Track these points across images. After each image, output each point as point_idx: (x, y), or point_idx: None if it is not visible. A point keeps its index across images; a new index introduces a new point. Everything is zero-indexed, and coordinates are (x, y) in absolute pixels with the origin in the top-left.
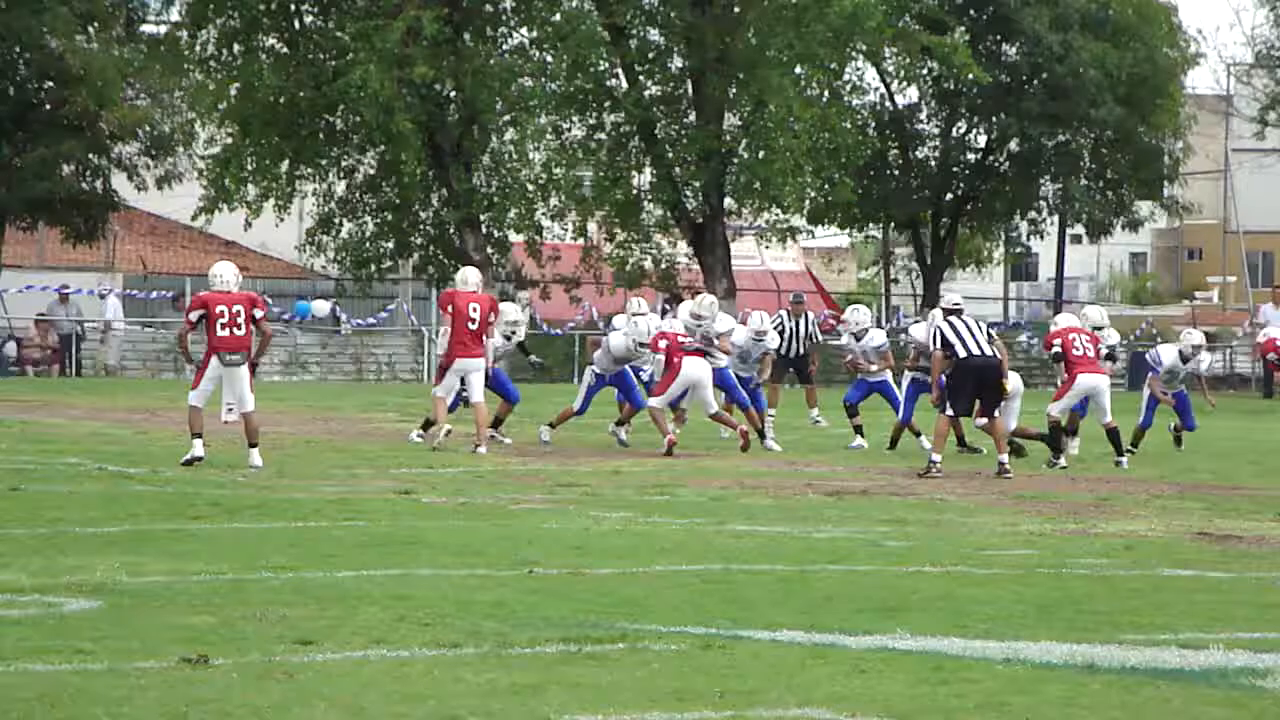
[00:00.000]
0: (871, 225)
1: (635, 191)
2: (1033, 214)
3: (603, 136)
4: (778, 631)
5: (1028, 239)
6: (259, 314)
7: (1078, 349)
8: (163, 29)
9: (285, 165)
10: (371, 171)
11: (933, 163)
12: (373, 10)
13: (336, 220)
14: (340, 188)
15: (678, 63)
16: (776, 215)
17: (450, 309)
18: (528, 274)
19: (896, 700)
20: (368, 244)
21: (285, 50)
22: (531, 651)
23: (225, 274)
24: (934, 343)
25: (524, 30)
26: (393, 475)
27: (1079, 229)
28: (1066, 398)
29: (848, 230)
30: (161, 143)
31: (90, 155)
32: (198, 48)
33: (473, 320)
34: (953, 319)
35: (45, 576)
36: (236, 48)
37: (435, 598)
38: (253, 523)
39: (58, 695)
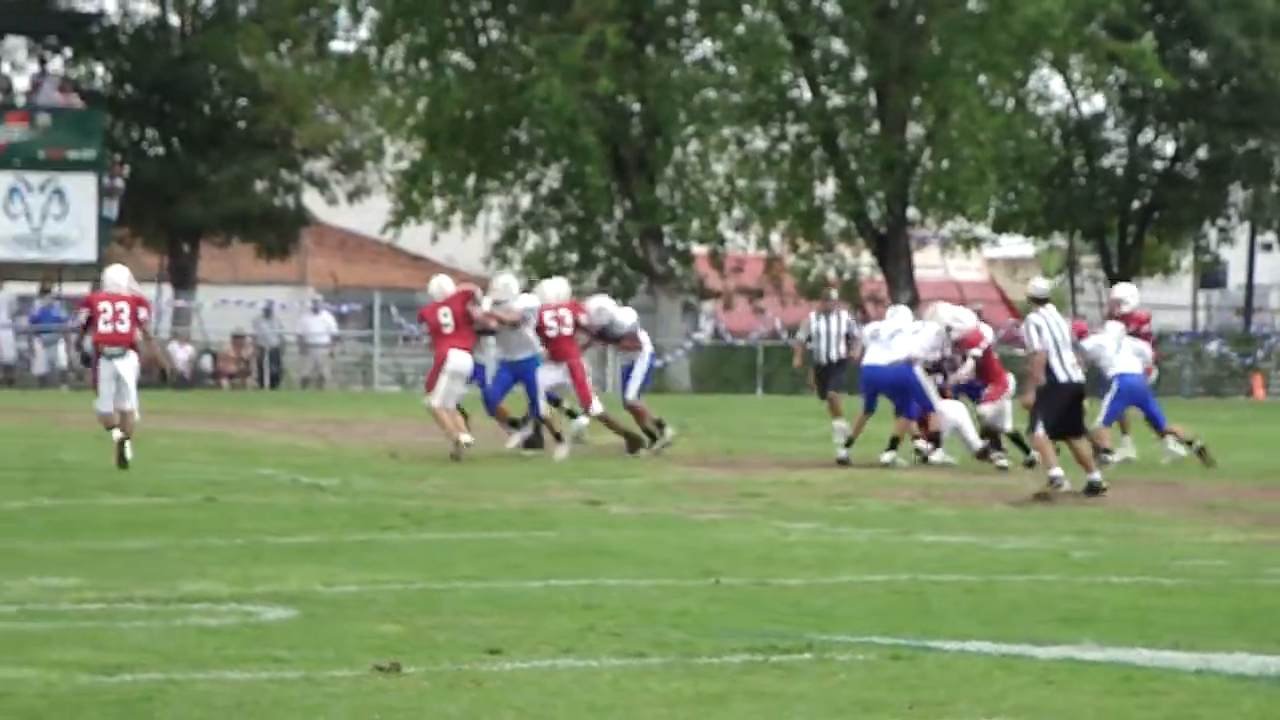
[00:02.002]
0: (1056, 234)
1: (818, 202)
2: (1222, 221)
3: (785, 147)
4: (965, 642)
5: (1217, 246)
6: (143, 314)
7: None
8: (352, 47)
9: (471, 179)
10: (556, 184)
11: (1119, 170)
12: (557, 25)
13: (521, 233)
14: (525, 201)
15: (861, 73)
16: (961, 224)
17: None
18: (710, 285)
19: (1085, 711)
20: (552, 256)
21: (471, 66)
22: (717, 661)
23: (117, 278)
24: (1031, 341)
25: (707, 42)
26: (580, 486)
27: (1270, 236)
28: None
29: (1032, 239)
30: (351, 158)
31: (282, 171)
32: (386, 64)
33: (446, 325)
34: (1046, 317)
35: (242, 585)
36: (424, 64)
37: (622, 607)
38: (443, 533)
39: (254, 703)
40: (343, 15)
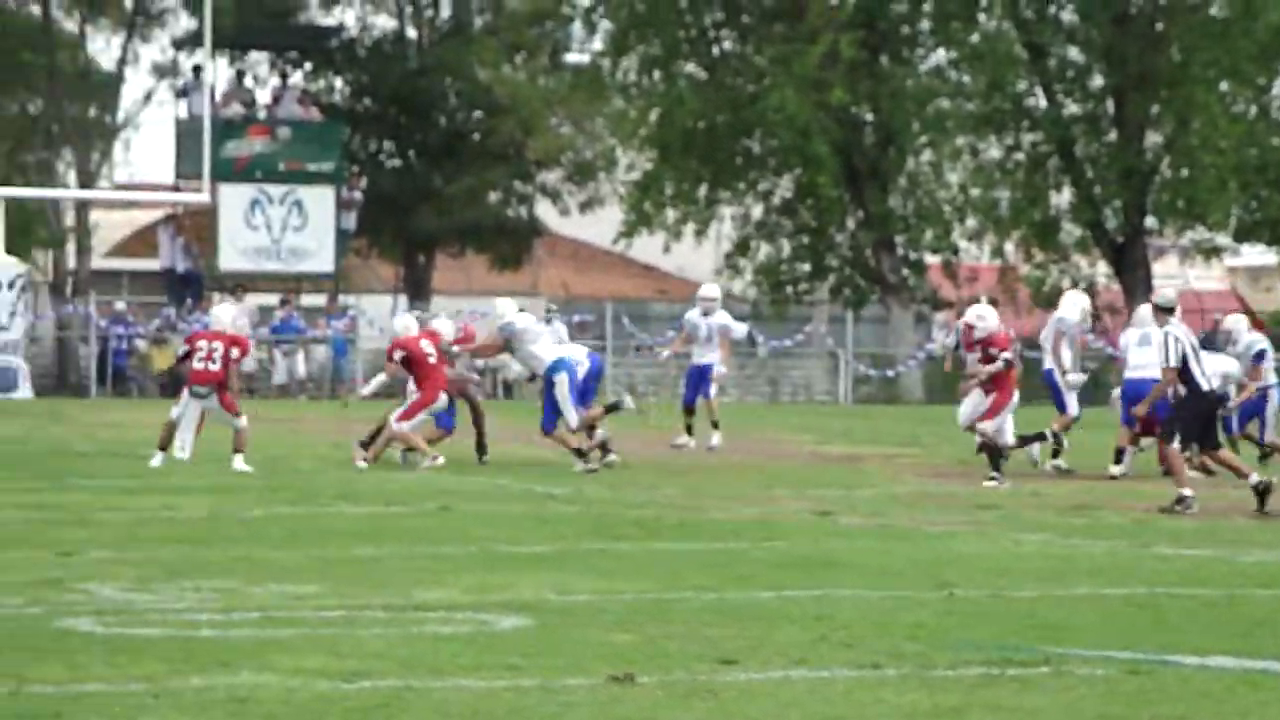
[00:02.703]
0: None
1: (1053, 211)
2: None
3: (1020, 156)
4: (1206, 657)
5: None
6: (235, 354)
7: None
8: (586, 58)
9: (703, 189)
10: (788, 194)
11: None
12: (791, 35)
13: (753, 243)
14: (757, 211)
15: (1098, 81)
16: (1200, 233)
17: (402, 357)
18: (943, 295)
19: None
20: (784, 266)
21: (704, 76)
22: (953, 674)
23: (221, 315)
24: (1168, 356)
25: (941, 51)
26: (811, 496)
27: None
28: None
29: (1276, 247)
30: (584, 169)
31: (516, 182)
32: (619, 75)
33: (430, 355)
34: (1184, 332)
35: (477, 594)
36: (657, 74)
37: (855, 619)
38: (674, 543)
39: (490, 710)
40: (577, 27)
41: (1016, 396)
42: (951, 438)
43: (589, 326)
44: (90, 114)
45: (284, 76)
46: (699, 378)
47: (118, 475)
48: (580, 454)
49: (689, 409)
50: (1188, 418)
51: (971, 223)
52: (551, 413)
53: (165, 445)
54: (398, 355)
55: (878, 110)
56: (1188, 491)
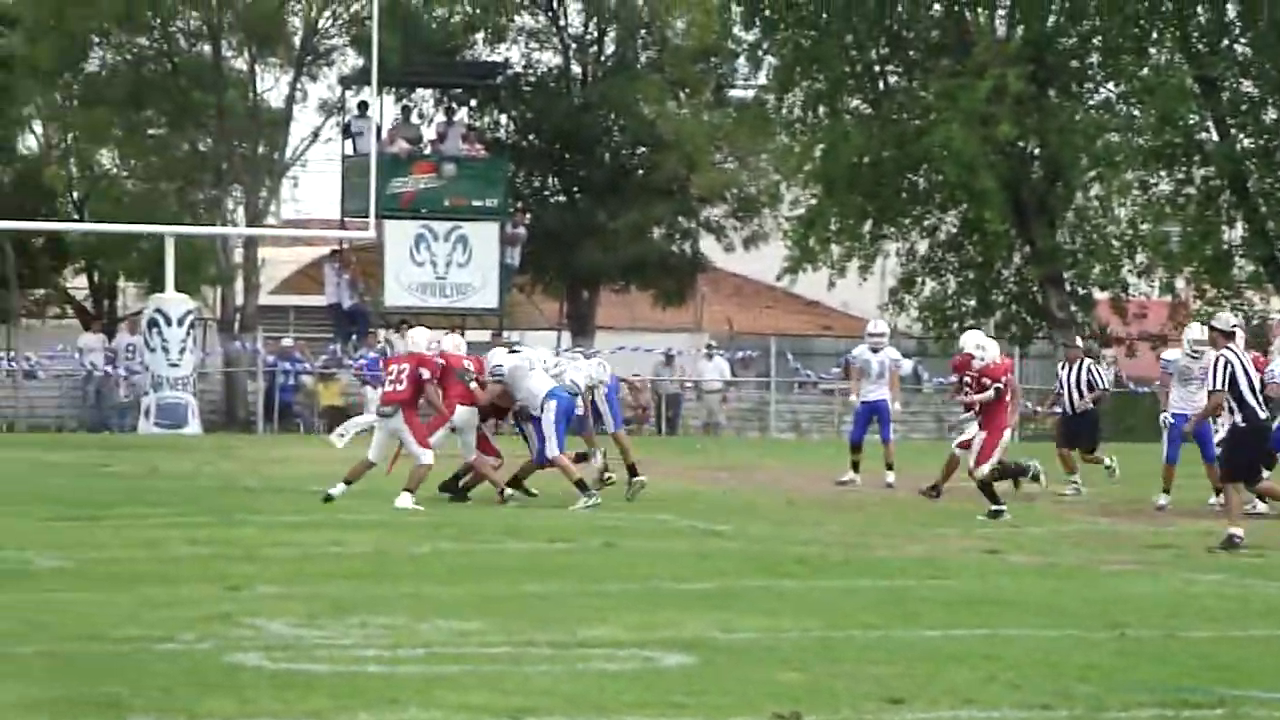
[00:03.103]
0: None
1: (1226, 246)
2: None
3: (1192, 191)
4: None
5: None
6: (424, 374)
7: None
8: (750, 94)
9: (868, 225)
10: (954, 229)
11: None
12: (957, 70)
13: (919, 279)
14: (922, 246)
15: (1272, 114)
16: None
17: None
18: (1112, 331)
19: None
20: (950, 302)
21: (869, 111)
22: (1126, 715)
23: (416, 337)
24: (1215, 379)
25: (1110, 85)
26: (979, 534)
27: None
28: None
29: None
30: (748, 204)
31: (679, 218)
32: (784, 111)
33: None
34: (1235, 354)
35: (641, 631)
36: (821, 110)
37: (1024, 658)
38: (840, 580)
39: None
40: (742, 63)
41: (1007, 433)
42: (1124, 476)
43: (752, 363)
44: (259, 152)
45: (449, 113)
46: (868, 415)
47: (285, 511)
48: (582, 487)
49: (856, 446)
50: (1244, 449)
51: (1141, 258)
52: (542, 442)
53: (352, 480)
54: (425, 374)
55: (1045, 145)
56: (1239, 530)
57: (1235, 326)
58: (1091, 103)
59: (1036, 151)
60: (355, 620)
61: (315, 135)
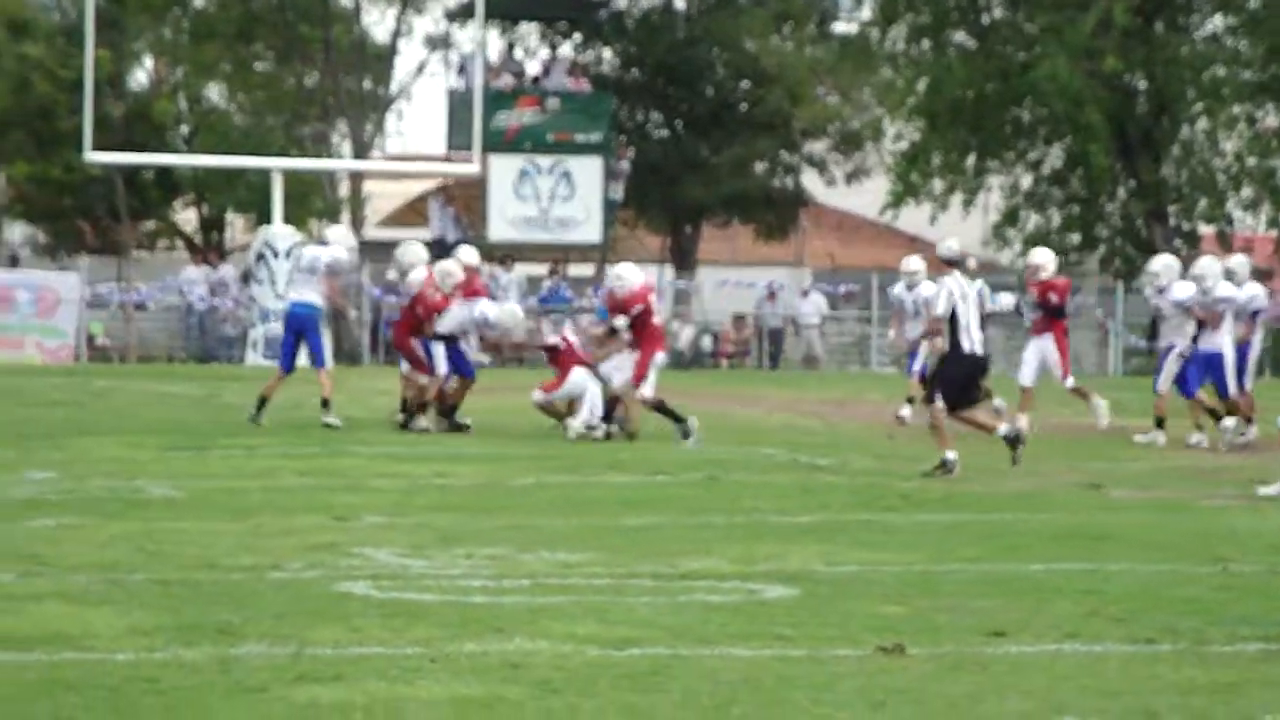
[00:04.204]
0: None
1: None
2: None
3: None
4: None
5: None
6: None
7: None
8: (854, 27)
9: (971, 159)
10: (1058, 164)
11: None
12: (1063, 3)
13: (1022, 214)
14: (1026, 181)
15: None
16: None
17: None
18: None
19: None
20: (1053, 237)
21: (974, 45)
22: (1230, 650)
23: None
24: (936, 304)
25: (1218, 18)
26: (1080, 469)
27: None
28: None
29: None
30: (850, 139)
31: (782, 153)
32: (888, 44)
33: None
34: (955, 283)
35: (743, 563)
36: (925, 43)
37: (1127, 593)
38: (941, 515)
39: (760, 679)
40: None
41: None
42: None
43: (855, 297)
44: (365, 86)
45: (553, 48)
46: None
47: (390, 443)
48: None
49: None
50: (949, 377)
51: (1247, 192)
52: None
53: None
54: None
55: (1151, 78)
56: (952, 454)
57: (957, 255)
58: (1198, 35)
59: (1142, 85)
60: (461, 551)
61: (421, 69)
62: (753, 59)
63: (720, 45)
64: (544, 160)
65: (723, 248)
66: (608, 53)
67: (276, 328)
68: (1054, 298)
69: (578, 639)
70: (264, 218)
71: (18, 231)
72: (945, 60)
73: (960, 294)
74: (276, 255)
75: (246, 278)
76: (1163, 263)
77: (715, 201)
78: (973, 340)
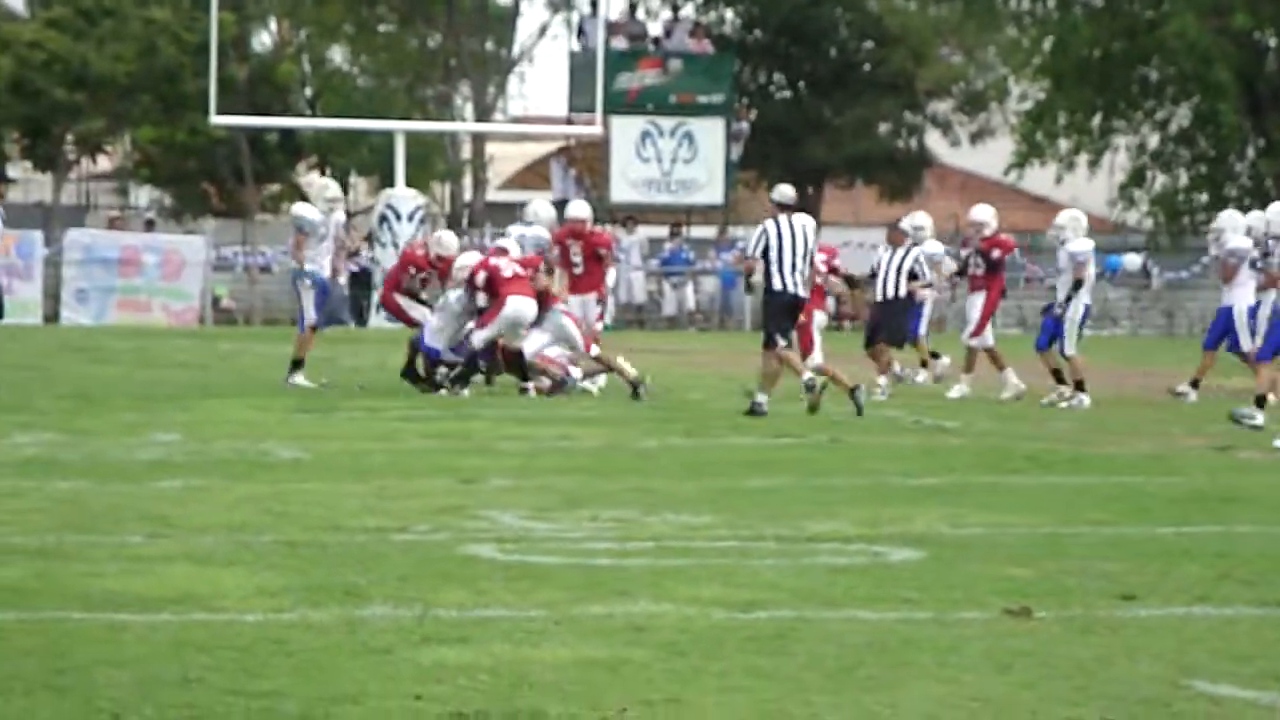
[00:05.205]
0: None
1: None
2: None
3: None
4: None
5: None
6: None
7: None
8: None
9: (1097, 118)
10: (1185, 123)
11: None
12: None
13: (1149, 174)
14: (1153, 140)
15: None
16: None
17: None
18: None
19: None
20: (1181, 196)
21: (1100, 3)
22: None
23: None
24: (749, 245)
25: None
26: (1207, 431)
27: None
28: None
29: None
30: (975, 99)
31: (906, 113)
32: (1012, 3)
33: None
34: (780, 225)
35: (868, 526)
36: (1051, 3)
37: (1258, 555)
38: (1068, 477)
39: (885, 642)
40: None
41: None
42: None
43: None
44: (487, 48)
45: (675, 9)
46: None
47: (514, 405)
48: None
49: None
50: (774, 316)
51: None
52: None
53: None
54: (480, 279)
55: None
56: (763, 399)
57: (789, 199)
58: None
59: (1272, 42)
60: (585, 513)
61: (543, 31)
62: (876, 19)
63: (843, 5)
64: (666, 122)
65: (845, 209)
66: (730, 13)
67: None
68: (996, 254)
69: (703, 602)
70: (386, 180)
71: (144, 195)
72: (1071, 18)
73: (776, 235)
74: (399, 218)
75: (370, 240)
76: (1225, 216)
77: (838, 162)
78: (785, 279)
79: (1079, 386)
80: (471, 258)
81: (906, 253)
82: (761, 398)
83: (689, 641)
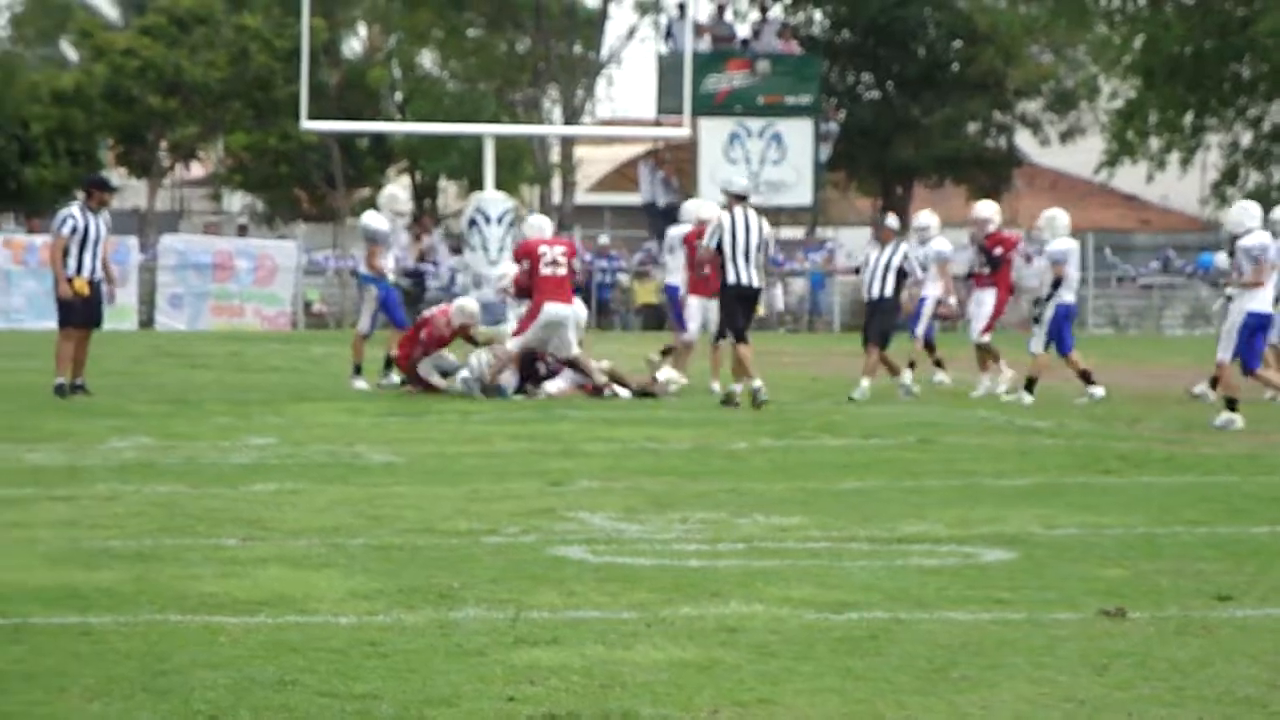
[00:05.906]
0: None
1: None
2: None
3: None
4: None
5: None
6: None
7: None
8: None
9: (1189, 117)
10: (1279, 120)
11: None
12: None
13: (1242, 171)
14: (1246, 138)
15: None
16: None
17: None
18: None
19: None
20: (1275, 194)
21: (1191, 1)
22: None
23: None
24: (710, 238)
25: None
26: None
27: None
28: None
29: None
30: (1065, 98)
31: (995, 112)
32: (1103, 1)
33: (558, 264)
34: (734, 217)
35: (960, 527)
36: (1142, 1)
37: None
38: (1162, 477)
39: (979, 643)
40: None
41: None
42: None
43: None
44: (575, 51)
45: (763, 10)
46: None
47: (601, 407)
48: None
49: (928, 346)
50: (728, 310)
51: None
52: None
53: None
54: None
55: None
56: (734, 387)
57: (743, 189)
58: None
59: None
60: (675, 515)
61: (631, 33)
62: (965, 18)
63: (932, 4)
64: (754, 123)
65: (935, 209)
66: (818, 14)
67: (489, 293)
68: (999, 251)
69: (794, 603)
70: (476, 184)
71: (236, 201)
72: (1162, 16)
73: (731, 229)
74: (489, 221)
75: (460, 245)
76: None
77: (927, 162)
78: (739, 272)
79: (1029, 386)
80: (511, 268)
81: (895, 250)
82: (737, 387)
83: (780, 642)
